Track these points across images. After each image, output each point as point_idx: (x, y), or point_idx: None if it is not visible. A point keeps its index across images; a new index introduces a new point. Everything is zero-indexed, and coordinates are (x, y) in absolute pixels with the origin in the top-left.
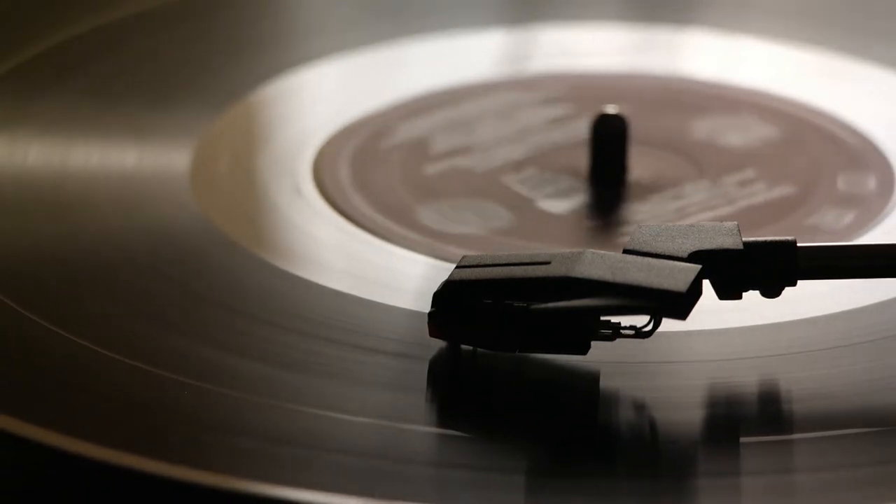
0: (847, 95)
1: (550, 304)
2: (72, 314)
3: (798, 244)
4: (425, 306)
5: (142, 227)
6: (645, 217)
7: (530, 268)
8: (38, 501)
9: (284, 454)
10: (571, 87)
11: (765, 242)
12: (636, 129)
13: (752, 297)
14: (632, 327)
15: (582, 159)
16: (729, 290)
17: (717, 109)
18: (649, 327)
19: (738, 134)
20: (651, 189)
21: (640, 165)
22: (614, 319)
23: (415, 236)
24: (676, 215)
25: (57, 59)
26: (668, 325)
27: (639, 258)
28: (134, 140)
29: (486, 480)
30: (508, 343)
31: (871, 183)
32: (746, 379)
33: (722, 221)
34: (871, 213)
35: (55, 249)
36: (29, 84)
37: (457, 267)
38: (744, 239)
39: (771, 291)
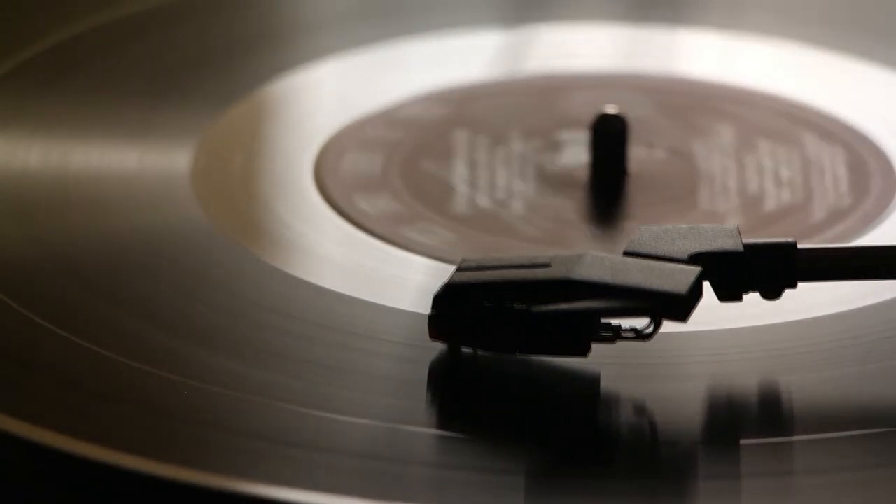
0: (847, 95)
1: (551, 307)
2: (72, 314)
3: (798, 246)
4: (425, 308)
5: (142, 227)
6: (645, 218)
7: (530, 270)
8: (38, 501)
9: (284, 455)
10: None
11: (765, 244)
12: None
13: (752, 298)
14: (632, 329)
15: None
16: (729, 292)
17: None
18: (650, 329)
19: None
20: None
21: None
22: (615, 322)
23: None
24: (676, 217)
25: (57, 59)
26: (668, 326)
27: (639, 260)
28: (135, 140)
29: (487, 482)
30: (509, 345)
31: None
32: (746, 380)
33: (722, 223)
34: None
35: (55, 249)
36: (29, 84)
37: (457, 269)
38: (744, 241)
39: (771, 293)
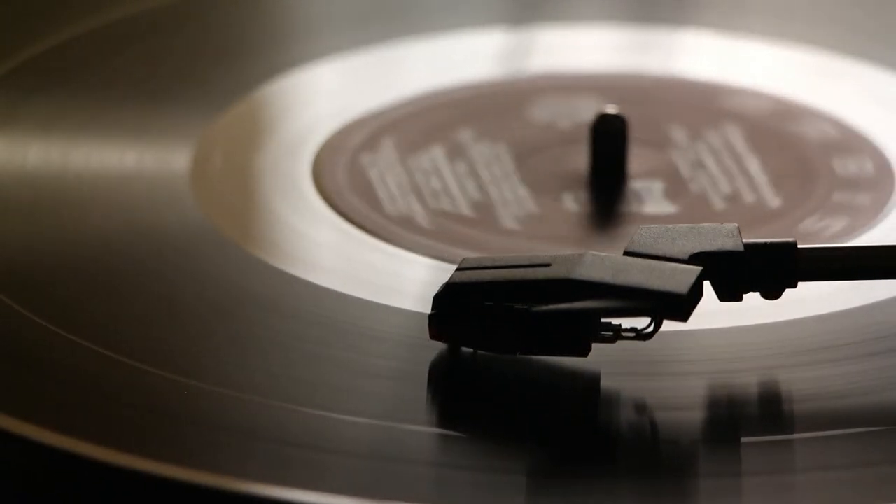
0: (847, 95)
1: (551, 307)
2: (72, 314)
3: (798, 246)
4: (425, 308)
5: (141, 227)
6: (644, 218)
7: (531, 270)
8: (38, 501)
9: (285, 454)
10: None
11: (765, 244)
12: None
13: (752, 297)
14: (633, 329)
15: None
16: (729, 292)
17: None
18: (650, 329)
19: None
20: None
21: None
22: (615, 321)
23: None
24: (676, 217)
25: (57, 59)
26: (668, 325)
27: (639, 260)
28: (134, 140)
29: (487, 481)
30: (509, 345)
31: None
32: (747, 379)
33: (722, 223)
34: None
35: (55, 249)
36: (29, 84)
37: (457, 269)
38: (744, 240)
39: (771, 293)
